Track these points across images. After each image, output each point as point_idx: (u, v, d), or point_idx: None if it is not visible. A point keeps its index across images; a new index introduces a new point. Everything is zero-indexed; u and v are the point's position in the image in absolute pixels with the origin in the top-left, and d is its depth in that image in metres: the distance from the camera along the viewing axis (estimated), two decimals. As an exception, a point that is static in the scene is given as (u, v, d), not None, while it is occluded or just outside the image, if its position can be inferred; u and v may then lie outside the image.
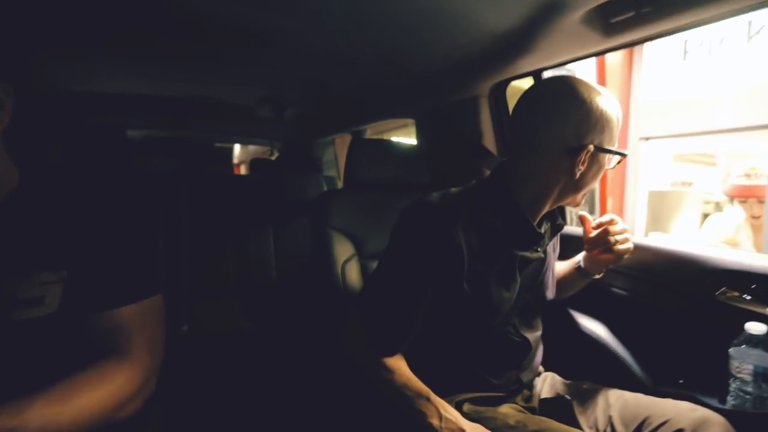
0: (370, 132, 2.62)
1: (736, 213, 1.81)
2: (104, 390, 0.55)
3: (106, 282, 0.60)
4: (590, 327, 1.10)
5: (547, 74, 1.26)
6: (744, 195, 1.75)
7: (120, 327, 0.60)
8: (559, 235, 0.94)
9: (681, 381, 0.93)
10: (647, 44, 3.27)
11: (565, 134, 0.70)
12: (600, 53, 1.05)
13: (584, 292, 1.18)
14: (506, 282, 0.77)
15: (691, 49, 3.05)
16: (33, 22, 1.07)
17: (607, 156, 0.75)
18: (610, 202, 3.23)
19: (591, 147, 0.70)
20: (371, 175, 1.05)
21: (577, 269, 0.96)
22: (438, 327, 0.77)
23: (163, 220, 1.59)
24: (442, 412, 0.66)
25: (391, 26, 1.05)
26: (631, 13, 0.84)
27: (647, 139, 3.14)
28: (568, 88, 0.72)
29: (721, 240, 1.76)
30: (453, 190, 0.81)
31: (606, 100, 0.72)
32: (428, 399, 0.68)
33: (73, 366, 0.55)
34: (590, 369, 0.97)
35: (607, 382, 0.89)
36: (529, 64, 1.15)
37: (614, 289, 1.13)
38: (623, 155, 0.77)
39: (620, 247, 0.86)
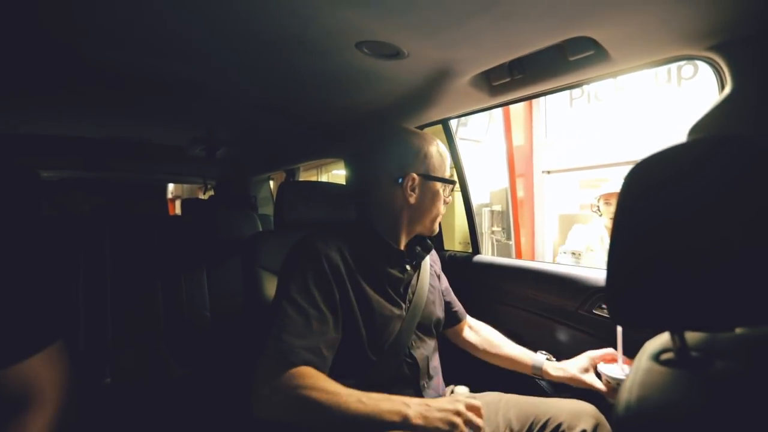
0: (310, 167, 2.68)
1: (598, 225, 2.20)
2: None
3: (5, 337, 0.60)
4: None
5: (453, 122, 1.49)
6: (610, 197, 2.16)
7: (29, 377, 0.60)
8: (438, 261, 1.10)
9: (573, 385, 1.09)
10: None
11: (391, 167, 0.87)
12: (490, 108, 1.27)
13: (492, 310, 1.34)
14: (390, 302, 0.86)
15: (575, 98, 3.68)
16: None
17: (440, 184, 0.90)
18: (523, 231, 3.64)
19: (415, 176, 0.86)
20: (301, 216, 1.10)
21: (532, 367, 1.02)
22: (344, 358, 0.79)
23: (83, 266, 1.50)
24: (405, 400, 0.69)
25: (312, 79, 1.16)
26: (508, 79, 1.06)
27: (549, 172, 3.66)
28: (391, 133, 0.91)
29: (584, 247, 2.12)
30: (333, 227, 0.91)
31: (425, 141, 0.90)
32: (388, 398, 0.69)
33: None
34: (501, 381, 1.09)
35: (514, 391, 1.00)
36: (436, 114, 1.35)
37: (519, 307, 1.29)
38: (450, 182, 0.93)
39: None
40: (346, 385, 0.71)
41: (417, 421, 0.66)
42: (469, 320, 1.16)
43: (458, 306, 1.14)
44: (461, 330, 1.14)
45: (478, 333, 1.15)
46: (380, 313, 0.83)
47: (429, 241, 0.97)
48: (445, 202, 0.95)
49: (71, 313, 1.44)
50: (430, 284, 0.98)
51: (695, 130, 0.74)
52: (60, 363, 0.65)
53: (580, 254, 1.41)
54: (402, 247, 0.92)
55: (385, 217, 0.89)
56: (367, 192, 0.91)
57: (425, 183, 0.89)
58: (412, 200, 0.87)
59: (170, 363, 1.57)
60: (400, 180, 0.87)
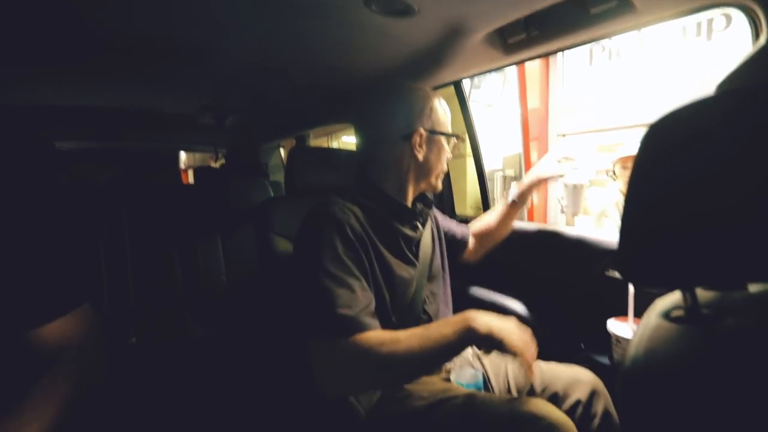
0: (320, 134, 2.67)
1: (613, 190, 2.15)
2: (59, 397, 0.59)
3: (35, 299, 0.63)
4: (509, 305, 1.26)
5: (466, 84, 1.44)
6: (627, 161, 2.02)
7: (60, 336, 0.64)
8: (437, 220, 1.08)
9: (583, 346, 1.11)
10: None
11: (398, 124, 0.86)
12: (505, 66, 1.22)
13: (504, 273, 1.36)
14: (406, 262, 0.87)
15: (596, 55, 3.48)
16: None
17: (443, 138, 0.91)
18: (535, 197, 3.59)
19: (422, 130, 0.86)
20: (312, 181, 1.10)
21: (512, 204, 1.17)
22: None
23: (104, 235, 1.56)
24: (465, 315, 0.71)
25: (319, 40, 1.13)
26: (523, 35, 1.01)
27: (564, 135, 3.54)
28: (394, 91, 0.89)
29: (598, 212, 2.09)
30: (343, 193, 0.88)
31: (428, 95, 0.89)
32: (446, 321, 0.72)
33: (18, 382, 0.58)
34: None
35: None
36: (449, 75, 1.30)
37: (530, 271, 1.30)
38: (455, 136, 0.93)
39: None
40: None
41: (483, 330, 0.67)
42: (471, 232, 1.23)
43: (460, 231, 1.16)
44: (471, 246, 1.19)
45: (476, 234, 1.22)
46: (399, 275, 0.85)
47: (428, 196, 0.98)
48: (448, 158, 0.95)
49: (95, 279, 1.51)
50: (434, 241, 0.99)
51: (725, 85, 0.70)
52: (88, 323, 0.69)
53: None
54: (409, 206, 0.93)
55: (393, 176, 0.89)
56: (373, 152, 0.90)
57: (432, 138, 0.89)
58: (420, 157, 0.88)
59: (190, 324, 1.65)
60: (407, 136, 0.86)
